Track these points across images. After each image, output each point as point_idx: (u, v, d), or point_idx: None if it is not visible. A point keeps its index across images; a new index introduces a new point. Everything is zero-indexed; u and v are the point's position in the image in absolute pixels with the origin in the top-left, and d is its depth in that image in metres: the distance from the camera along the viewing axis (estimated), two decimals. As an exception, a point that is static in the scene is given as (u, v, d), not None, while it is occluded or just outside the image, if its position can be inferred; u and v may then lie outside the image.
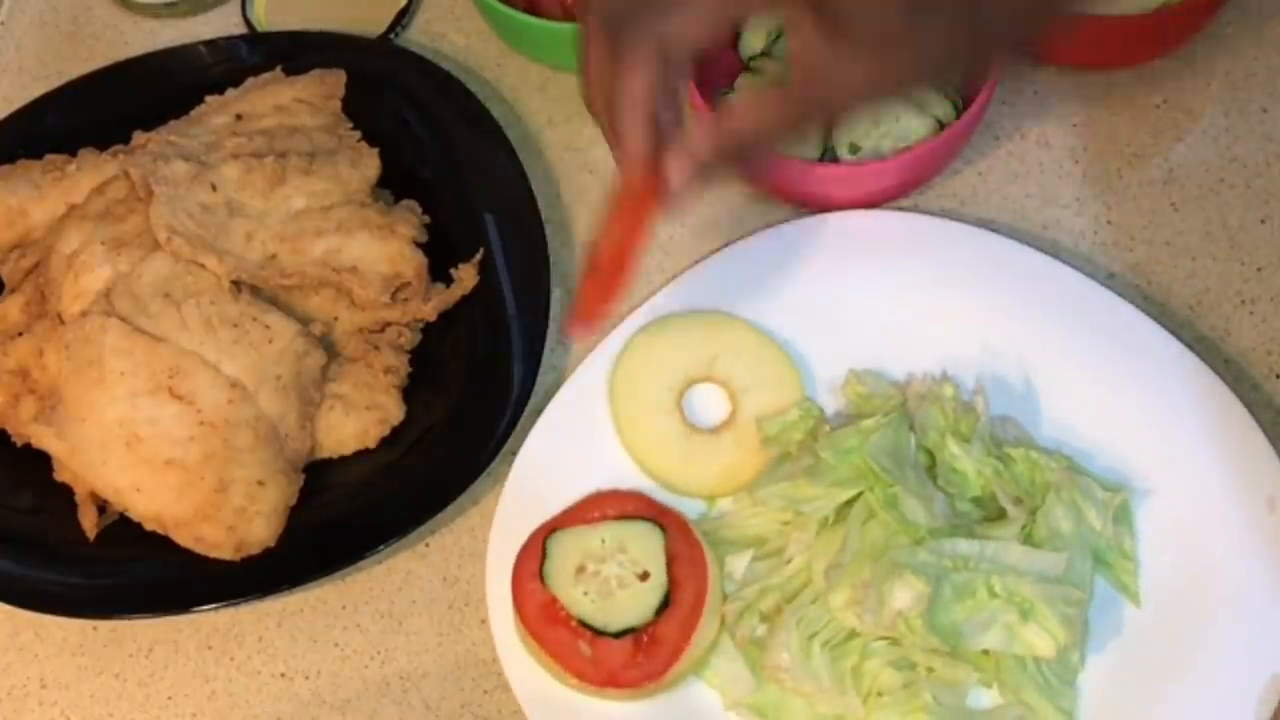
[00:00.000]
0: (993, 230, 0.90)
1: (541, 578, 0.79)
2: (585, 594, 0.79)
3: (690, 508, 0.84)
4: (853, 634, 0.76)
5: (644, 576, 0.79)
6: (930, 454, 0.81)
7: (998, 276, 0.88)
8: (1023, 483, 0.80)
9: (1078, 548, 0.77)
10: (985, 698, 0.76)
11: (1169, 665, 0.76)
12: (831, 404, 0.87)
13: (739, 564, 0.80)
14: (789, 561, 0.79)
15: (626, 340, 0.89)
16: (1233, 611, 0.76)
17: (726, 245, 0.92)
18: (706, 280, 0.91)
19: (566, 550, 0.80)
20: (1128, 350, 0.84)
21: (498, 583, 0.82)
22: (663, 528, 0.80)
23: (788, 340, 0.88)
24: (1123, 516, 0.80)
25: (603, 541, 0.80)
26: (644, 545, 0.80)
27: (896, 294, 0.89)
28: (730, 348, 0.88)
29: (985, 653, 0.75)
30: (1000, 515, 0.78)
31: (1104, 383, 0.84)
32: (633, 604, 0.78)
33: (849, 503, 0.79)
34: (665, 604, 0.78)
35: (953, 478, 0.80)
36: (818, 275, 0.90)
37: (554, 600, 0.79)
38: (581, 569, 0.79)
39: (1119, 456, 0.82)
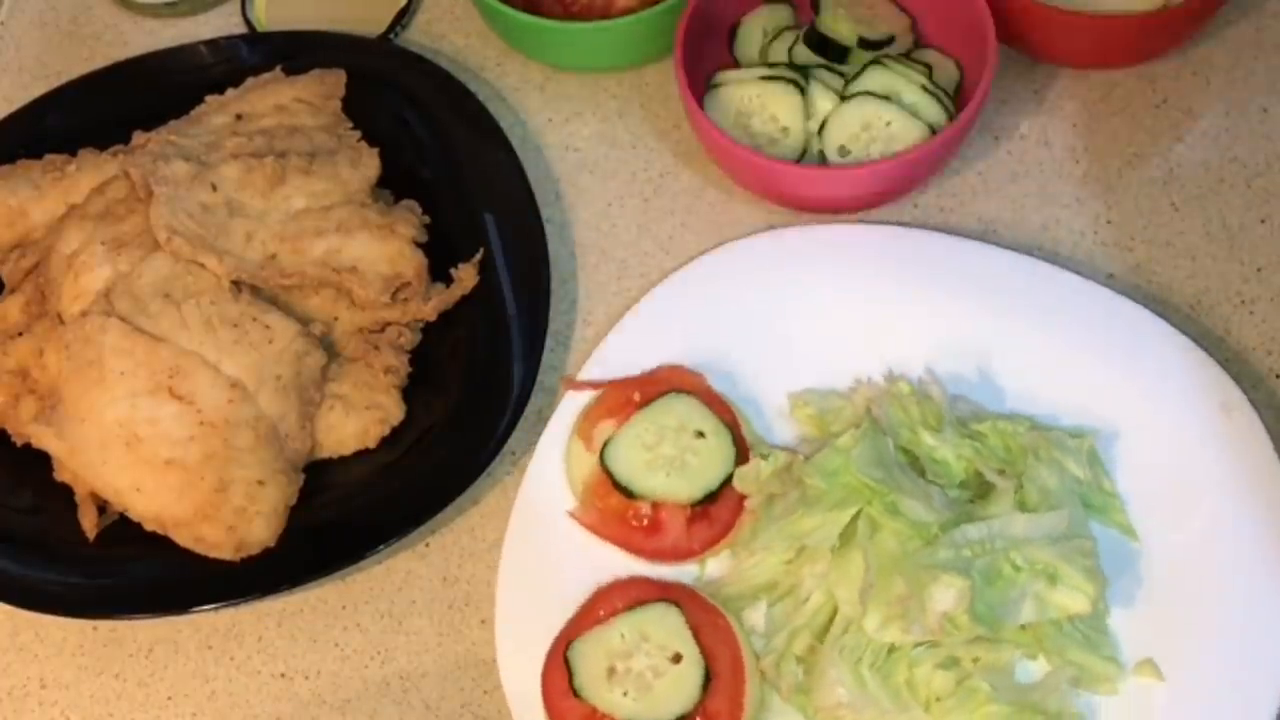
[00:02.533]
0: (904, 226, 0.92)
1: (574, 692, 0.77)
2: (625, 695, 0.76)
3: (683, 574, 0.82)
4: (892, 648, 0.75)
5: (676, 659, 0.77)
6: (908, 451, 0.81)
7: (923, 270, 0.89)
8: (1000, 454, 0.81)
9: (1069, 500, 0.79)
10: (1033, 669, 0.77)
11: (1183, 593, 0.78)
12: (787, 430, 0.87)
13: (757, 616, 0.79)
14: (807, 599, 0.78)
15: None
16: (1222, 521, 0.79)
17: (650, 291, 0.92)
18: (643, 328, 0.90)
19: (589, 657, 0.77)
20: (1062, 308, 0.86)
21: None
22: (677, 604, 0.78)
23: (729, 374, 0.87)
24: (1094, 459, 0.81)
25: (622, 637, 0.78)
26: (665, 627, 0.77)
27: (830, 307, 0.89)
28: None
29: (1021, 626, 0.76)
30: (986, 491, 0.79)
31: (1043, 346, 0.85)
32: (675, 690, 0.76)
33: (850, 523, 0.78)
34: (706, 679, 0.76)
35: (936, 468, 0.81)
36: (748, 304, 0.89)
37: (594, 711, 0.76)
38: (612, 670, 0.77)
39: (1076, 408, 0.84)
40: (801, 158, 0.94)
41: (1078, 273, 0.88)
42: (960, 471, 0.80)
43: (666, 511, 0.82)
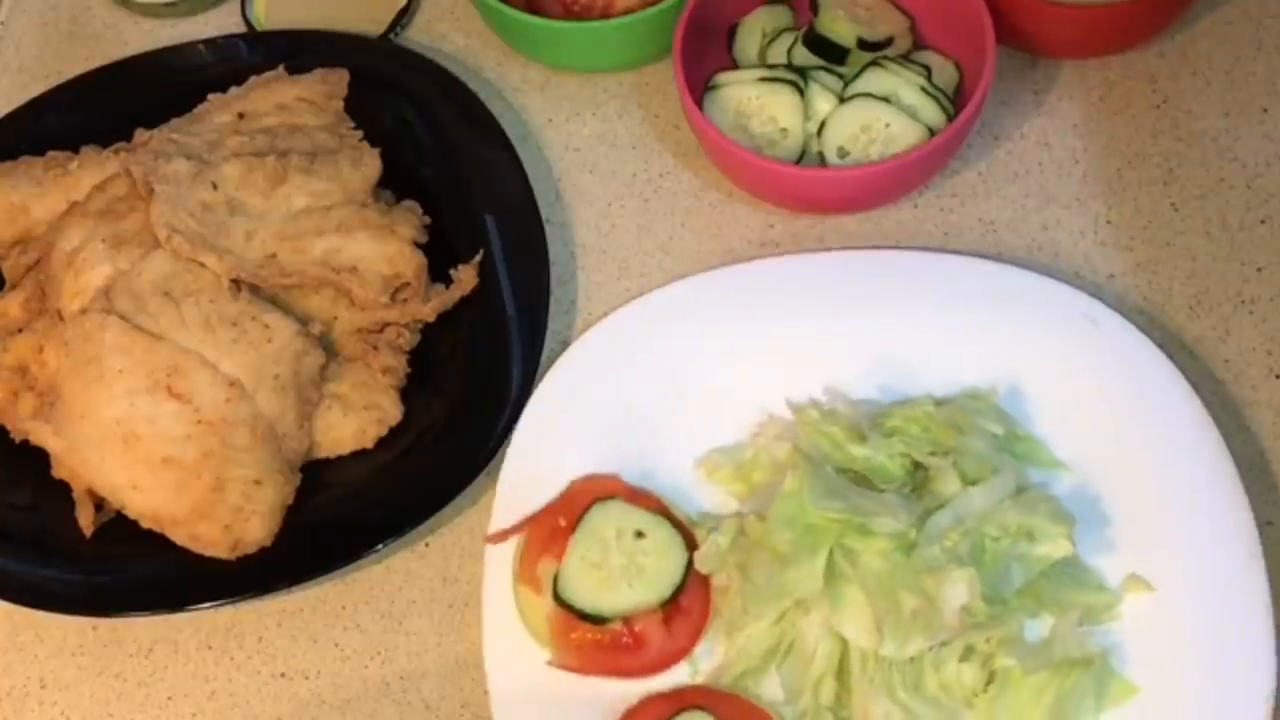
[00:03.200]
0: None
1: None
2: None
3: (678, 676, 0.80)
4: (911, 660, 0.75)
5: None
6: (846, 470, 0.81)
7: (785, 296, 0.89)
8: (926, 438, 0.82)
9: (1001, 458, 0.80)
10: (1037, 626, 0.78)
11: (1133, 503, 0.81)
12: (712, 498, 0.85)
13: (772, 686, 0.78)
14: (815, 650, 0.77)
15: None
16: (1133, 422, 0.82)
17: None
18: (532, 452, 0.87)
19: None
20: (914, 287, 0.88)
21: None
22: (702, 708, 0.77)
23: (638, 464, 0.86)
24: (1000, 413, 0.83)
25: None
26: None
27: (701, 365, 0.88)
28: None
29: (1017, 590, 0.77)
30: (924, 480, 0.80)
31: (914, 330, 0.87)
32: None
33: (828, 561, 0.78)
34: None
35: (877, 475, 0.81)
36: (624, 390, 0.88)
37: None
38: None
39: (968, 377, 0.86)
40: (800, 159, 0.94)
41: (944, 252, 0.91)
42: (898, 470, 0.81)
43: (641, 623, 0.80)
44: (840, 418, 0.84)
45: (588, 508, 0.82)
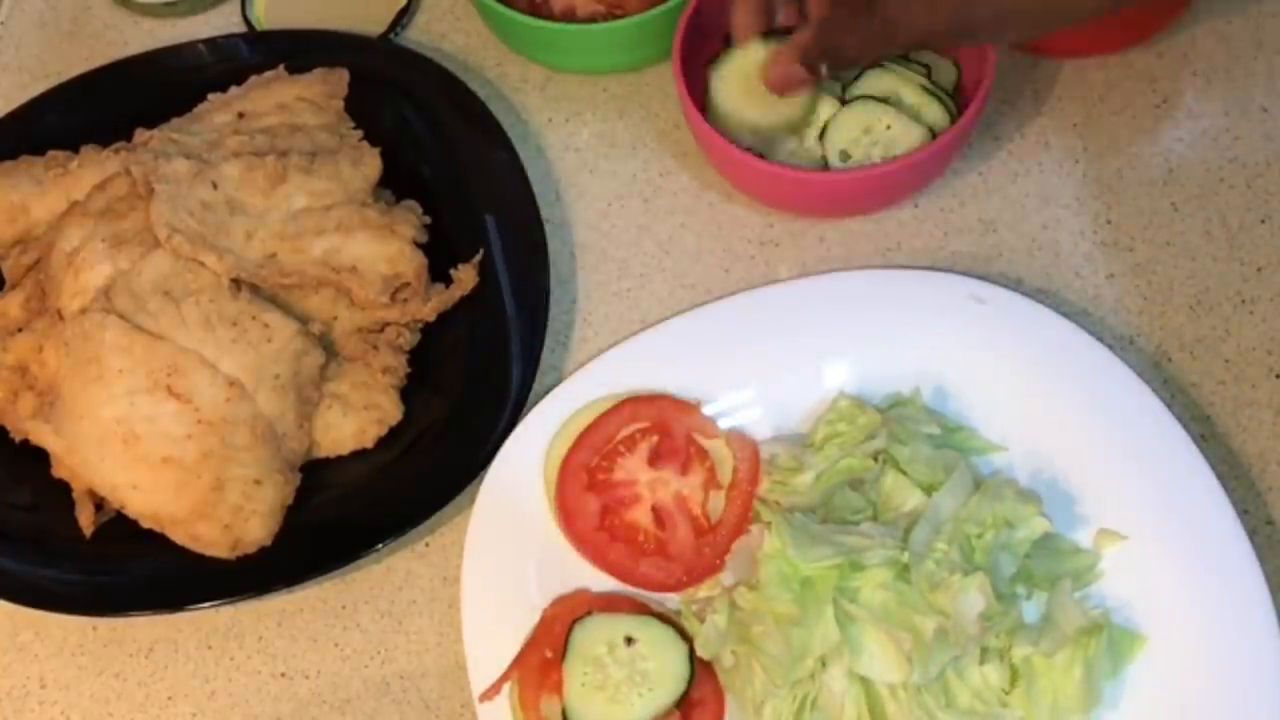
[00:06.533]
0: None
1: None
2: None
3: None
4: (938, 678, 0.74)
5: None
6: (813, 507, 0.80)
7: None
8: (854, 431, 0.82)
9: (947, 456, 0.80)
10: (1032, 607, 0.78)
11: (1077, 460, 0.82)
12: None
13: None
14: (842, 700, 0.75)
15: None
16: (1048, 386, 0.83)
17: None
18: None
19: None
20: (806, 315, 0.88)
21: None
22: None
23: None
24: (931, 412, 0.83)
25: None
26: None
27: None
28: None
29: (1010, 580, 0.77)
30: (879, 494, 0.80)
31: (810, 353, 0.87)
32: None
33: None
34: None
35: (841, 481, 0.81)
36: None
37: None
38: None
39: (884, 388, 0.85)
40: (801, 160, 0.94)
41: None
42: (855, 466, 0.81)
43: None
44: (777, 460, 0.83)
45: (569, 631, 0.79)
